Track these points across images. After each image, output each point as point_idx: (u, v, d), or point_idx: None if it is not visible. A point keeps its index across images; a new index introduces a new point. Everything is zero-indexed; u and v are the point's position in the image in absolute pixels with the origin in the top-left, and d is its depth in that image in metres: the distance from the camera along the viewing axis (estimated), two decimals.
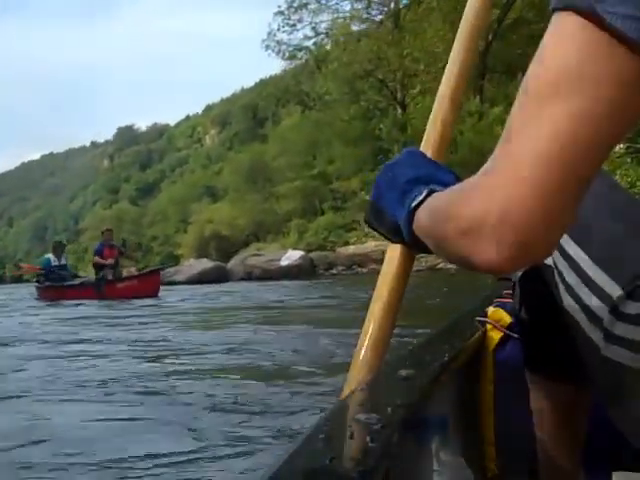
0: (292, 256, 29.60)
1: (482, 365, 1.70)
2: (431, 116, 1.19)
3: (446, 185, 0.88)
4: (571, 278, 0.93)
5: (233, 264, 32.80)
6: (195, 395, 4.42)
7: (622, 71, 0.59)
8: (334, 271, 29.88)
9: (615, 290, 0.84)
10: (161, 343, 7.57)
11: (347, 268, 29.63)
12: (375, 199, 1.07)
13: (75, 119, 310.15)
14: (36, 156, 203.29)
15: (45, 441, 3.40)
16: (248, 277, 29.91)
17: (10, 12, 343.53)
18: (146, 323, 10.14)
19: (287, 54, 29.84)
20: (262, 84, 67.93)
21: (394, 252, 1.16)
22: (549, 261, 1.00)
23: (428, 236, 0.84)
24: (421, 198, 0.90)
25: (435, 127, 1.17)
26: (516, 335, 1.49)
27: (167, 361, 6.22)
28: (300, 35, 30.81)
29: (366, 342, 1.14)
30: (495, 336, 1.68)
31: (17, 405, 4.36)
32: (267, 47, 30.64)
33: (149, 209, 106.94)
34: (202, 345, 7.09)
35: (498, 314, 1.69)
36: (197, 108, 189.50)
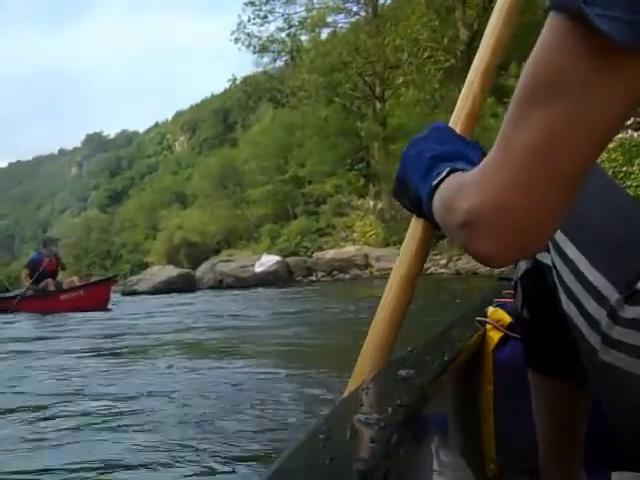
0: (267, 262, 27.39)
1: (482, 365, 1.74)
2: (463, 90, 1.17)
3: (471, 162, 0.90)
4: (570, 281, 0.93)
5: (202, 271, 30.56)
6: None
7: (610, 74, 0.61)
8: (313, 277, 27.84)
9: (613, 294, 0.83)
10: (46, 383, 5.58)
11: (327, 274, 27.58)
12: (401, 173, 1.08)
13: (43, 126, 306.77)
14: (3, 164, 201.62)
15: None
16: (218, 285, 27.85)
17: None
18: (50, 350, 7.90)
19: (258, 47, 27.86)
20: (232, 87, 67.21)
21: (417, 226, 1.18)
22: (548, 261, 1.02)
23: (438, 220, 0.88)
24: (442, 177, 0.90)
25: (466, 102, 1.16)
26: (516, 335, 1.52)
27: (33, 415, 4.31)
28: (272, 27, 28.96)
29: (383, 318, 1.18)
30: (495, 336, 1.72)
31: None
32: (237, 40, 28.52)
33: (117, 216, 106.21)
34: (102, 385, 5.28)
35: (498, 314, 1.73)
36: (166, 115, 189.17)
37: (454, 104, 1.16)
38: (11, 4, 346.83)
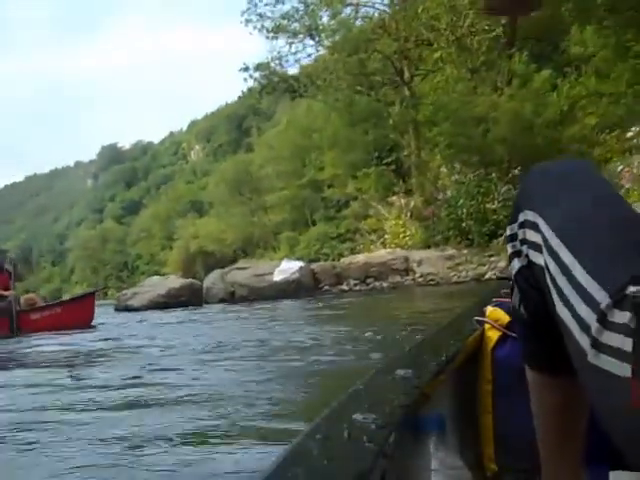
0: (288, 268, 23.11)
1: (481, 364, 1.73)
2: None
3: None
4: (563, 283, 0.94)
5: (211, 281, 25.59)
6: None
7: None
8: (344, 286, 23.09)
9: (603, 298, 0.84)
10: None
11: (361, 282, 22.96)
12: None
13: (59, 139, 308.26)
14: (20, 178, 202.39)
15: None
16: (230, 298, 23.59)
17: None
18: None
19: (271, 28, 25.01)
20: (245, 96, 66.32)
21: None
22: (541, 262, 1.02)
23: None
24: None
25: None
26: (514, 334, 1.54)
27: None
28: (287, 8, 25.93)
29: None
30: (493, 335, 1.72)
31: None
32: (247, 22, 25.55)
33: (133, 227, 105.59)
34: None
35: (496, 314, 1.72)
36: (181, 125, 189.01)
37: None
38: (25, 18, 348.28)
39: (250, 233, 54.99)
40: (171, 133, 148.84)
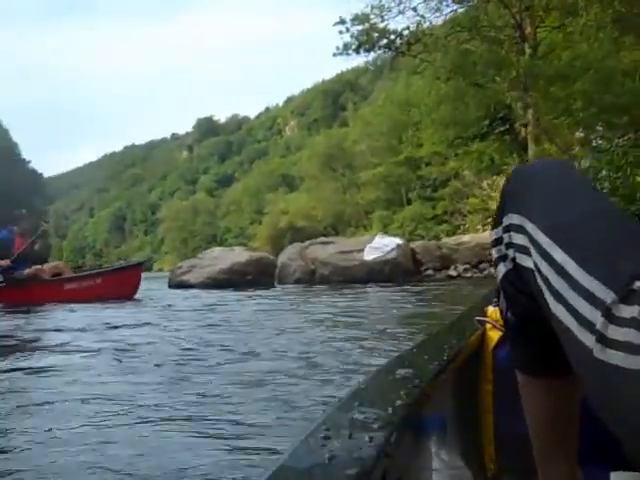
0: (382, 245, 19.17)
1: (481, 364, 1.75)
2: None
3: None
4: (559, 284, 0.93)
5: (287, 257, 21.28)
6: None
7: None
8: (452, 272, 19.49)
9: (608, 295, 0.84)
10: None
11: (472, 267, 19.43)
12: None
13: (157, 112, 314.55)
14: (119, 148, 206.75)
15: None
16: (310, 278, 19.62)
17: (91, 12, 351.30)
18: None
19: None
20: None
21: None
22: (529, 264, 1.02)
23: None
24: None
25: None
26: None
27: None
28: None
29: None
30: (494, 336, 1.73)
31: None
32: None
33: (224, 200, 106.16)
34: None
35: (497, 314, 1.69)
36: (277, 100, 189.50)
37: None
38: None
39: (341, 210, 53.90)
40: (267, 108, 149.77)
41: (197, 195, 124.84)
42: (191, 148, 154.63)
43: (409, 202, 47.01)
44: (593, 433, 1.29)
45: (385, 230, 36.71)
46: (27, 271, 13.05)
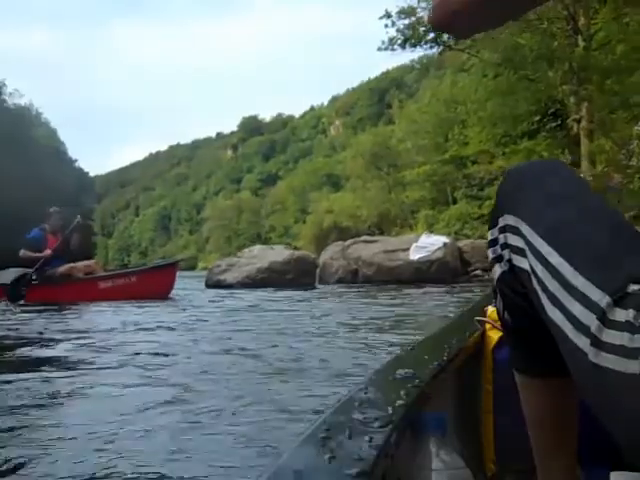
0: (429, 244, 18.58)
1: (481, 364, 1.76)
2: None
3: None
4: (554, 287, 0.93)
5: (329, 256, 20.70)
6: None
7: None
8: None
9: (602, 298, 0.84)
10: None
11: None
12: None
13: (202, 111, 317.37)
14: (164, 147, 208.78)
15: None
16: (352, 278, 19.12)
17: (140, 12, 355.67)
18: None
19: None
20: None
21: None
22: (524, 266, 1.02)
23: None
24: None
25: None
26: None
27: None
28: None
29: None
30: (494, 336, 1.73)
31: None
32: None
33: (268, 199, 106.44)
34: None
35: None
36: (322, 99, 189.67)
37: None
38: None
39: (386, 209, 53.44)
40: (312, 107, 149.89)
41: (241, 194, 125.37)
42: (236, 147, 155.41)
43: (455, 201, 46.25)
44: (593, 433, 1.28)
45: (431, 229, 36.25)
46: (60, 269, 12.81)
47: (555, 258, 0.92)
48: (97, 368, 4.80)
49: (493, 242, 1.12)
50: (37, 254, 12.76)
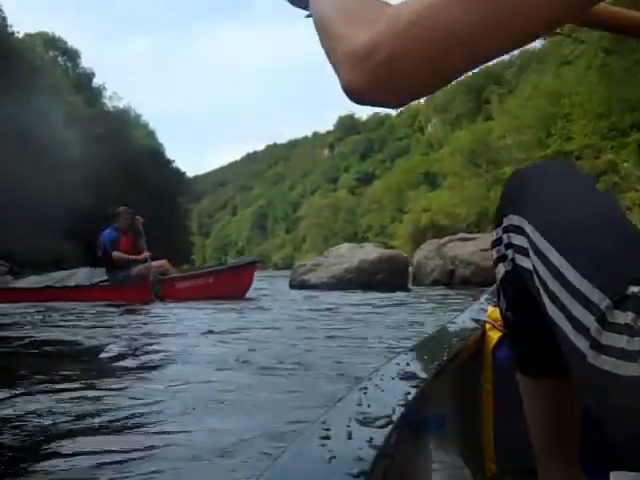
0: None
1: (481, 364, 1.75)
2: None
3: None
4: (555, 287, 0.93)
5: (423, 256, 19.21)
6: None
7: None
8: None
9: (602, 300, 0.84)
10: None
11: None
12: None
13: (299, 111, 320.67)
14: (261, 147, 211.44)
15: None
16: (448, 279, 17.85)
17: (233, 12, 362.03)
18: None
19: None
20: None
21: None
22: (528, 265, 1.02)
23: (316, 25, 0.75)
24: None
25: None
26: None
27: None
28: None
29: None
30: (494, 336, 1.73)
31: None
32: None
33: (365, 198, 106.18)
34: None
35: (497, 314, 1.68)
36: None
37: None
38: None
39: (485, 208, 52.02)
40: (408, 105, 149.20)
41: (338, 193, 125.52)
42: (332, 146, 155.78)
43: None
44: (593, 433, 1.24)
45: None
46: (135, 270, 12.48)
47: (556, 258, 0.91)
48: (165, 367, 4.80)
49: (497, 242, 1.11)
50: (132, 256, 12.52)
